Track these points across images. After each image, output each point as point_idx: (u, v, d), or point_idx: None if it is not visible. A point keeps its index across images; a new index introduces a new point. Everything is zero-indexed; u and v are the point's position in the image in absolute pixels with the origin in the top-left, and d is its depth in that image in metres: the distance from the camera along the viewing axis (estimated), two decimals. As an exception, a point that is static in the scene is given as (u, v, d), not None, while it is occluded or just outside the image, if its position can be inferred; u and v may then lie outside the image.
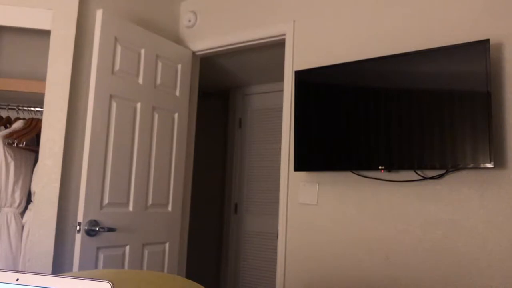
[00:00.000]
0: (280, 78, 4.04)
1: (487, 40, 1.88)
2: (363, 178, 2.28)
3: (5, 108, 2.71)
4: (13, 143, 2.50)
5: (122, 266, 2.51)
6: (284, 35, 2.71)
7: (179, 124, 2.91)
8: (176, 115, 2.89)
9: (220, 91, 4.69)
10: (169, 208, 2.82)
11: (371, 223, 2.23)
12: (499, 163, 1.93)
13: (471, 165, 1.87)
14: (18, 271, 0.83)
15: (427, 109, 2.01)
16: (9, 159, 2.50)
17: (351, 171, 2.31)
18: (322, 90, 2.35)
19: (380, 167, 2.12)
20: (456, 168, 1.94)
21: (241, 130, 4.49)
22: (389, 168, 2.10)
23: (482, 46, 1.90)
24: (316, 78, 2.38)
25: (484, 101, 1.87)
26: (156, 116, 2.73)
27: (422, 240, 2.07)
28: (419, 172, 2.11)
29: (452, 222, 2.00)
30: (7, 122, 2.69)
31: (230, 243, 4.38)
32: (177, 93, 2.91)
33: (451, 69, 1.96)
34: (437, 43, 2.14)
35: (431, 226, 2.06)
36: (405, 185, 2.15)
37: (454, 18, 2.12)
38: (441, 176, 2.05)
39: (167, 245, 2.79)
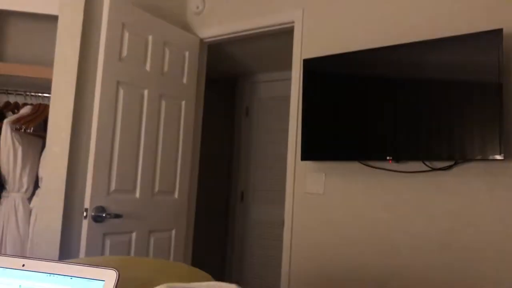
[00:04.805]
0: (288, 66, 4.00)
1: (501, 30, 1.85)
2: (370, 168, 2.27)
3: (12, 94, 2.71)
4: (21, 129, 2.50)
5: (128, 252, 2.52)
6: (293, 22, 2.68)
7: (186, 111, 2.90)
8: (183, 103, 2.88)
9: (227, 78, 4.67)
10: (176, 195, 2.82)
11: (378, 214, 2.22)
12: (509, 155, 1.90)
13: (479, 157, 1.85)
14: (24, 257, 0.83)
15: (437, 100, 1.98)
16: (17, 144, 2.51)
17: (358, 161, 2.30)
18: (331, 79, 2.32)
19: (388, 158, 2.10)
20: (465, 159, 1.92)
21: (248, 118, 4.48)
22: (397, 158, 2.09)
23: (495, 36, 1.86)
24: (325, 66, 2.35)
25: (495, 92, 1.84)
26: (163, 103, 2.73)
27: (429, 231, 2.06)
28: (427, 163, 2.09)
29: (460, 214, 1.99)
30: (15, 107, 2.70)
31: (236, 231, 4.40)
32: (184, 81, 2.90)
33: (462, 59, 1.93)
34: (449, 32, 2.10)
35: (439, 217, 2.04)
36: (413, 176, 2.14)
37: (467, 6, 2.08)
38: (449, 167, 2.03)
39: (173, 232, 2.80)
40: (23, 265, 0.83)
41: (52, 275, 0.81)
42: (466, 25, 2.06)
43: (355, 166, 2.32)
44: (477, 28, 2.02)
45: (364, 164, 2.28)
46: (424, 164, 2.10)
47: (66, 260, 0.88)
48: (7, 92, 2.71)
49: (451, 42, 1.97)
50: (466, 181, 1.99)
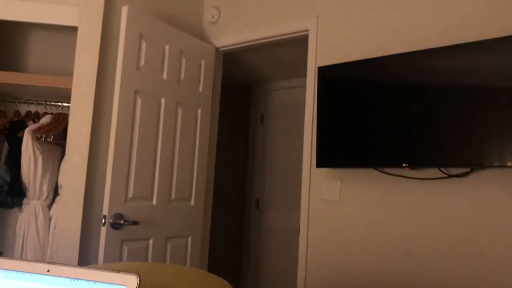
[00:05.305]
0: (302, 73, 4.02)
1: (516, 36, 1.84)
2: (386, 175, 2.26)
3: (33, 103, 2.78)
4: (41, 138, 2.56)
5: (146, 259, 2.55)
6: (308, 30, 2.70)
7: (202, 119, 2.93)
8: (199, 111, 2.92)
9: (242, 86, 4.70)
10: (192, 202, 2.85)
11: (394, 221, 2.21)
12: (527, 162, 1.88)
13: (497, 164, 1.84)
14: (49, 262, 0.86)
15: (454, 106, 1.98)
16: (37, 153, 2.57)
17: (374, 168, 2.30)
18: (345, 86, 2.33)
19: (403, 164, 2.10)
20: (482, 166, 1.91)
21: (263, 125, 4.50)
22: (413, 165, 2.08)
23: None
24: (340, 74, 2.36)
25: (512, 98, 1.83)
26: (179, 111, 2.76)
27: (446, 239, 2.05)
28: (443, 169, 2.08)
29: (478, 221, 1.97)
30: (36, 116, 2.76)
31: (252, 237, 4.40)
32: (201, 89, 2.94)
33: (478, 65, 1.93)
34: (464, 39, 2.10)
35: (456, 224, 2.03)
36: (429, 183, 2.13)
37: (485, 11, 2.07)
38: (466, 174, 2.02)
39: (189, 238, 2.82)
40: (48, 271, 0.85)
41: (75, 280, 0.83)
42: (479, 31, 2.06)
43: (370, 173, 2.32)
44: (494, 33, 2.02)
45: (380, 171, 2.28)
46: (440, 170, 2.09)
47: (89, 266, 0.91)
48: (28, 102, 2.77)
49: (468, 48, 1.97)
50: (484, 188, 1.98)
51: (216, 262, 4.63)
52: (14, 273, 0.87)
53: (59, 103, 2.77)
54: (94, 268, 0.83)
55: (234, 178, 4.63)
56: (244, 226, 4.49)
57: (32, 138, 2.56)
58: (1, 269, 0.88)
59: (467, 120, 1.93)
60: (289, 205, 4.16)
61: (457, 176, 2.04)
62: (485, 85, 1.90)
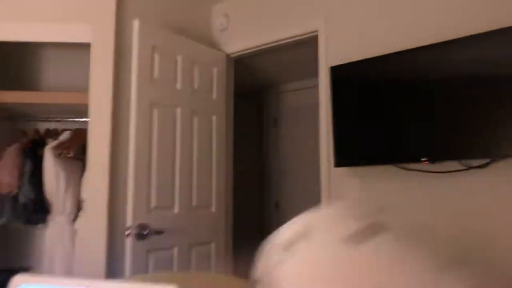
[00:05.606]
0: (312, 74, 4.03)
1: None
2: (405, 171, 2.26)
3: (52, 121, 2.83)
4: (62, 154, 2.61)
5: (171, 267, 2.58)
6: (317, 31, 2.71)
7: (217, 126, 2.96)
8: (214, 118, 2.94)
9: (253, 90, 4.72)
10: (213, 209, 2.87)
11: (415, 216, 2.21)
12: (548, 149, 1.87)
13: (518, 153, 1.83)
14: (88, 279, 0.88)
15: (471, 97, 1.97)
16: (59, 169, 2.61)
17: (393, 165, 2.30)
18: (360, 84, 2.34)
19: (422, 159, 2.10)
20: (501, 156, 1.90)
21: (276, 129, 4.51)
22: (432, 159, 2.08)
23: (523, 31, 1.85)
24: (353, 72, 2.37)
25: (528, 87, 1.82)
26: (195, 120, 2.79)
27: (469, 231, 2.04)
28: (462, 162, 2.07)
29: (499, 213, 1.96)
30: (55, 134, 2.81)
31: (272, 240, 4.41)
32: (214, 96, 2.96)
33: (495, 54, 1.92)
34: (477, 30, 2.09)
35: (478, 216, 2.02)
36: (449, 176, 2.12)
37: (492, 2, 2.06)
38: (485, 165, 2.01)
39: (212, 245, 2.85)
40: (88, 287, 0.88)
41: (116, 294, 0.86)
42: (493, 21, 2.05)
43: (389, 169, 2.32)
44: (510, 22, 2.01)
45: (399, 167, 2.28)
46: (460, 163, 2.08)
47: (126, 279, 0.93)
48: (47, 120, 2.83)
49: (483, 39, 1.96)
50: (504, 178, 1.97)
51: (240, 267, 4.64)
52: (56, 290, 0.90)
53: (77, 119, 2.82)
54: (132, 281, 0.86)
55: (252, 182, 4.65)
56: (265, 228, 4.50)
57: (53, 155, 2.60)
58: (40, 285, 0.91)
59: (483, 112, 1.93)
60: (308, 206, 4.16)
61: (476, 167, 2.04)
62: (502, 74, 1.89)
